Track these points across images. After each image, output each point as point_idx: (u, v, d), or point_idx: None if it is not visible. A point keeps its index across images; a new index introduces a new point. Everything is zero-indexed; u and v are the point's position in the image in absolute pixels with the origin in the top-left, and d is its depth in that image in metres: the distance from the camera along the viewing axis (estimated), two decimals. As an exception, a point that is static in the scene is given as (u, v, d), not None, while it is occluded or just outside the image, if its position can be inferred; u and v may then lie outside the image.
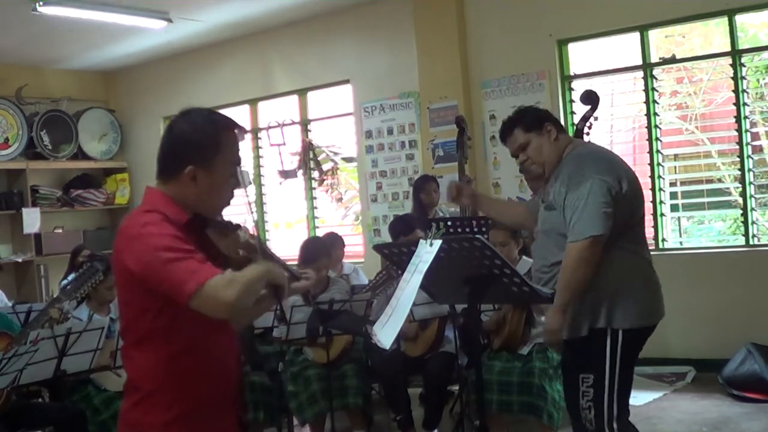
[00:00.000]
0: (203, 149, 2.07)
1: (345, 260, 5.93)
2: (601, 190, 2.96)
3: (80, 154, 8.83)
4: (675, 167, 6.43)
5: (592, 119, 4.53)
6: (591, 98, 4.57)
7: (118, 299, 2.15)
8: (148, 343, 2.04)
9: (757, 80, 6.14)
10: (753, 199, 5.73)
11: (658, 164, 6.05)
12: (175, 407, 2.03)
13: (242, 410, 2.32)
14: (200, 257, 1.95)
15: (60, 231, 8.73)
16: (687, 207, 6.35)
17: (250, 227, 2.21)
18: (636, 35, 6.07)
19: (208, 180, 2.08)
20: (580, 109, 5.97)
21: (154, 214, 2.02)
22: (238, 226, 2.20)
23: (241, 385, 2.27)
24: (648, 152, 6.06)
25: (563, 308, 2.96)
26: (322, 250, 4.97)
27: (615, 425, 2.97)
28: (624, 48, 6.36)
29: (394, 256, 2.80)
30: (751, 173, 5.70)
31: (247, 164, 8.33)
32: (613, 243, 2.97)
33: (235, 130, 2.16)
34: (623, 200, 3.00)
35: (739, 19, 5.78)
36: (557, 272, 3.01)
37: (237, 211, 2.46)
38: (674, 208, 6.19)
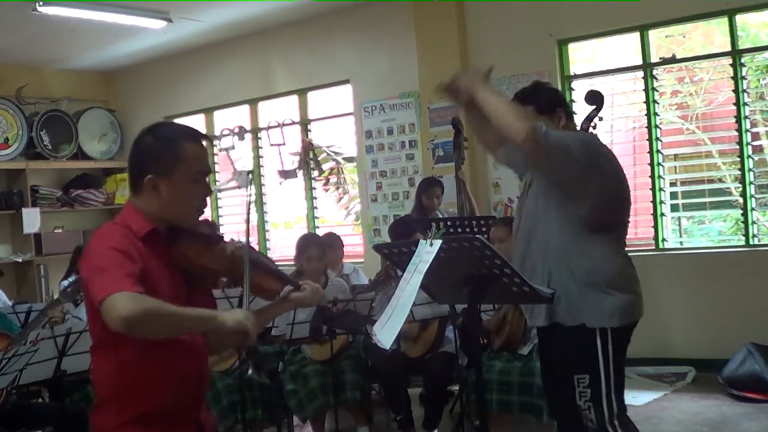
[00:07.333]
0: (162, 159, 2.13)
1: (345, 260, 5.93)
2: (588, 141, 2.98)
3: (80, 154, 8.83)
4: (675, 167, 6.42)
5: (596, 119, 4.52)
6: (595, 98, 4.54)
7: None
8: (102, 350, 2.10)
9: (758, 80, 6.13)
10: (753, 199, 5.73)
11: (658, 164, 6.05)
12: (124, 414, 2.06)
13: (208, 420, 2.30)
14: (128, 272, 1.94)
15: (60, 231, 8.73)
16: (687, 207, 6.34)
17: (242, 235, 2.24)
18: (636, 35, 6.07)
19: (169, 189, 2.13)
20: (581, 108, 5.97)
21: (114, 226, 2.11)
22: (221, 239, 2.24)
23: (203, 396, 2.28)
24: (648, 152, 6.06)
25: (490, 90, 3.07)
26: (314, 241, 4.94)
27: (616, 422, 2.97)
28: (624, 48, 6.36)
29: (394, 256, 2.79)
30: (752, 173, 5.70)
31: (247, 164, 8.34)
32: (601, 242, 2.96)
33: (202, 141, 2.21)
34: (615, 198, 2.99)
35: (740, 18, 5.78)
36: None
37: (236, 211, 2.49)
38: (674, 208, 6.18)
